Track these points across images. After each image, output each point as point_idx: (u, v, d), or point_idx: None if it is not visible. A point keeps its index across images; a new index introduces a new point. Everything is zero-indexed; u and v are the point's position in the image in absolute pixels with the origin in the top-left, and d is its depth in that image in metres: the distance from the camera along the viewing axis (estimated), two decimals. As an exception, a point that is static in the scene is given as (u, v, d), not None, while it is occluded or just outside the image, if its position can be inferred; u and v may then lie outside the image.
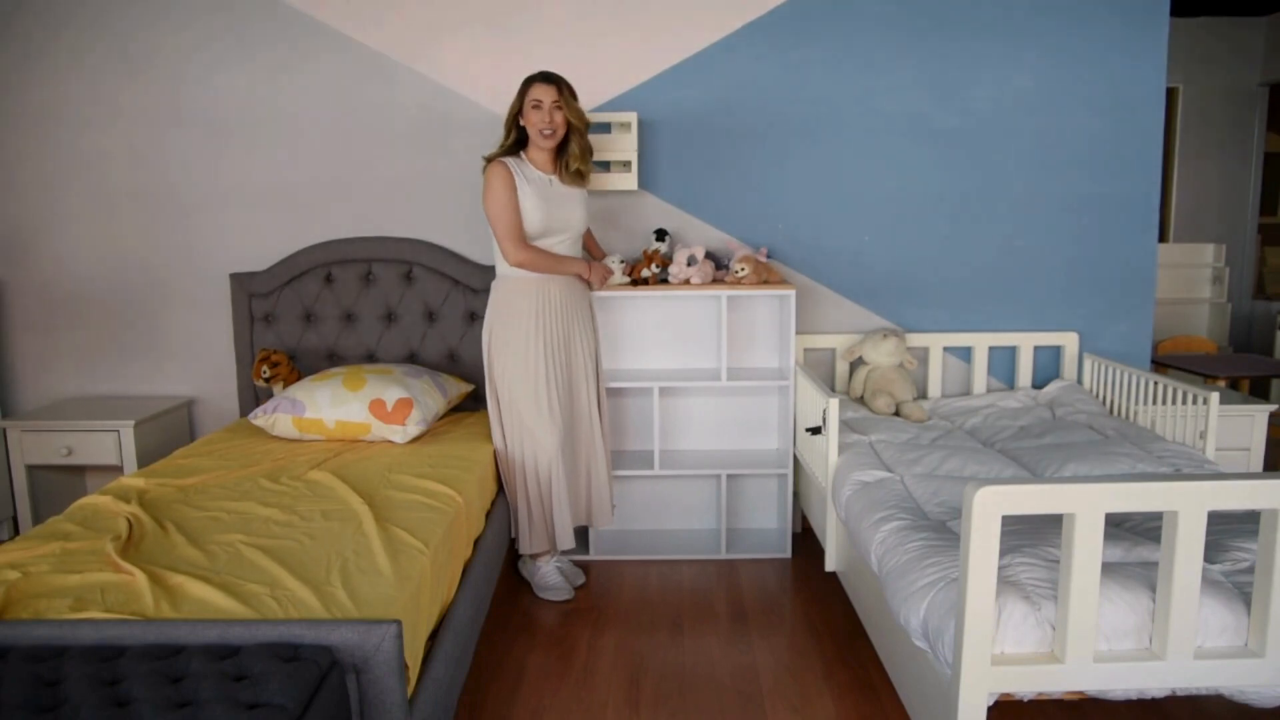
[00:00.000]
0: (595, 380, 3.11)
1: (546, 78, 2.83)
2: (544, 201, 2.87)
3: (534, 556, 3.11)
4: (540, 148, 2.89)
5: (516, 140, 2.90)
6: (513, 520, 3.06)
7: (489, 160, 2.90)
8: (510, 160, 2.87)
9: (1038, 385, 3.59)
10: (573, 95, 2.86)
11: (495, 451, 3.01)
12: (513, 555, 3.27)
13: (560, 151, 2.94)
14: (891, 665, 2.36)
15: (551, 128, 2.83)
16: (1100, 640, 1.77)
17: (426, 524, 2.26)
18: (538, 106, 2.81)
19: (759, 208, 3.51)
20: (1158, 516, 2.16)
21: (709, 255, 3.40)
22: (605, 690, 2.47)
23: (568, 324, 3.00)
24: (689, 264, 3.28)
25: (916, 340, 3.54)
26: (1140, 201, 3.51)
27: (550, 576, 3.08)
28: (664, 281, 3.36)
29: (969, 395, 3.56)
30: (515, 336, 2.91)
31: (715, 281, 3.34)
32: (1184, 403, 2.90)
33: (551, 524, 2.99)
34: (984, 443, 3.03)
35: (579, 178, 2.98)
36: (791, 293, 3.26)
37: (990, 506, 1.66)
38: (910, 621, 1.95)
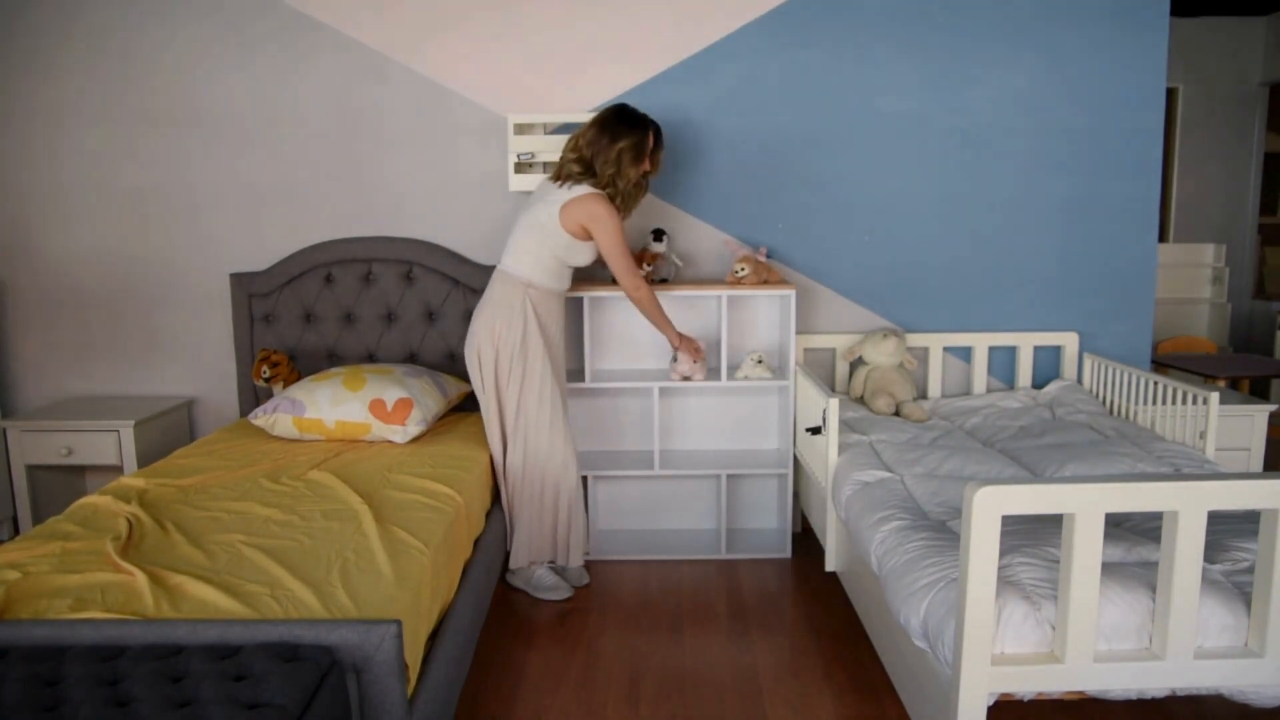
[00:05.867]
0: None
1: (660, 134, 2.97)
2: None
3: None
4: (639, 192, 2.98)
5: (596, 175, 2.87)
6: (512, 531, 3.03)
7: (575, 189, 2.85)
8: None
9: (1038, 385, 3.59)
10: None
11: (493, 458, 3.00)
12: (506, 563, 3.22)
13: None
14: (891, 665, 2.37)
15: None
16: (1100, 640, 1.77)
17: (426, 524, 2.26)
18: (658, 162, 2.97)
19: (759, 208, 3.50)
20: (1158, 516, 2.16)
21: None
22: (605, 690, 2.47)
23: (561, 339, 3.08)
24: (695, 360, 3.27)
25: (916, 340, 3.54)
26: (1140, 201, 3.51)
27: (546, 577, 3.07)
28: (663, 281, 3.37)
29: (969, 395, 3.56)
30: (553, 339, 2.97)
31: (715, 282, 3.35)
32: (1184, 403, 2.90)
33: (567, 537, 3.00)
34: (984, 443, 3.02)
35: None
36: (791, 293, 3.26)
37: (990, 506, 1.66)
38: (910, 621, 1.96)
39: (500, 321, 2.90)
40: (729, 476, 3.47)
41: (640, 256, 3.31)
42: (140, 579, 1.87)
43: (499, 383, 2.93)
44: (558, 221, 2.84)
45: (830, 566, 2.93)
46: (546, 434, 2.92)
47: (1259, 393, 5.06)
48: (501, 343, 2.90)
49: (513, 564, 3.02)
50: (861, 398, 3.45)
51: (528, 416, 2.93)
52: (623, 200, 2.92)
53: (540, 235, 2.87)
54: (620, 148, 2.84)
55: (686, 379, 3.29)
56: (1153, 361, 3.94)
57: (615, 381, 3.33)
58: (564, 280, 3.00)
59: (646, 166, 2.93)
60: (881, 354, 3.38)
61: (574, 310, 3.41)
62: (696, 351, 3.21)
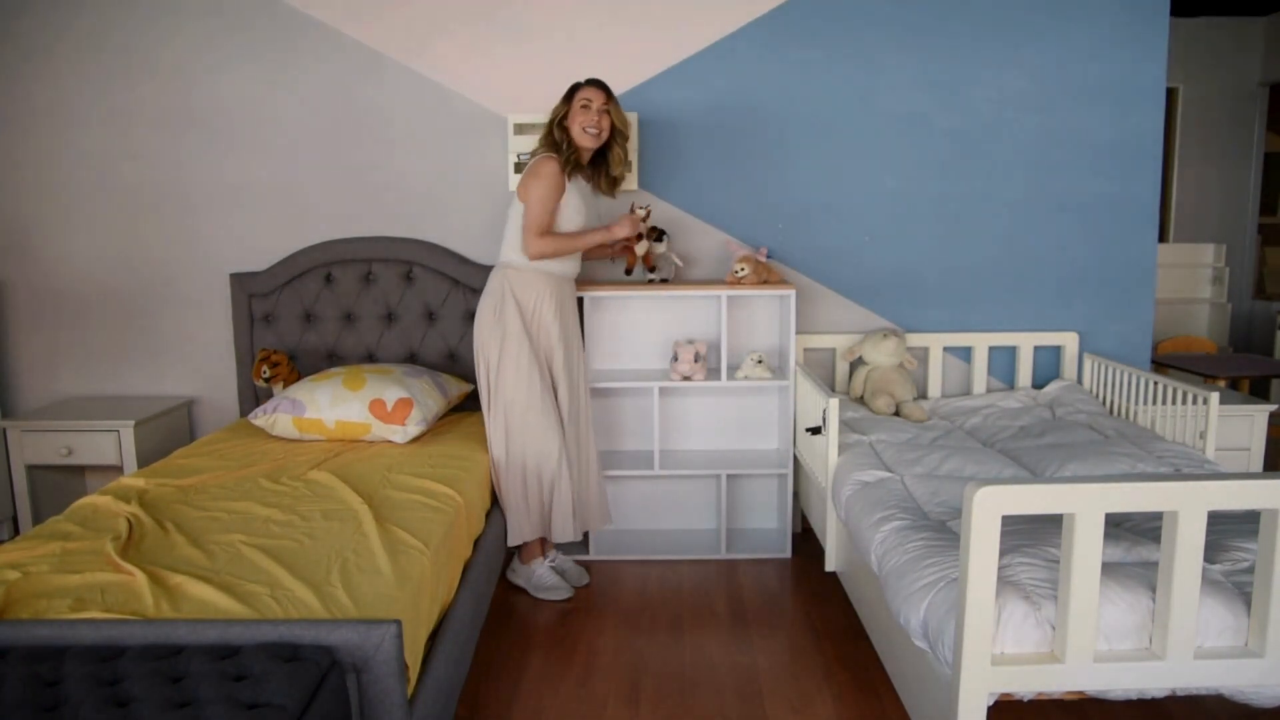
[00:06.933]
0: (584, 381, 3.14)
1: (595, 83, 2.94)
2: (584, 204, 2.97)
3: (525, 560, 3.11)
4: (584, 147, 2.94)
5: (553, 144, 2.93)
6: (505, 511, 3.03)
7: (536, 154, 2.94)
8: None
9: (1038, 385, 3.59)
10: (617, 103, 2.97)
11: (489, 439, 2.98)
12: (506, 562, 3.23)
13: (598, 159, 3.03)
14: (891, 665, 2.37)
15: (598, 128, 2.91)
16: (1100, 640, 1.77)
17: (426, 524, 2.26)
18: (586, 106, 2.90)
19: (759, 208, 3.51)
20: (1158, 516, 2.16)
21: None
22: (605, 690, 2.47)
23: (569, 322, 3.04)
24: (695, 360, 3.28)
25: (916, 340, 3.54)
26: (1140, 201, 3.51)
27: (546, 577, 3.07)
28: (665, 282, 3.37)
29: (969, 395, 3.56)
30: (542, 321, 2.95)
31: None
32: (1184, 403, 2.90)
33: (549, 514, 2.98)
34: (984, 443, 3.03)
35: (613, 184, 3.07)
36: (791, 293, 3.26)
37: (990, 506, 1.66)
38: (910, 621, 1.96)
39: (483, 304, 2.99)
40: (729, 476, 3.47)
41: (644, 258, 3.31)
42: (140, 579, 1.87)
43: (488, 365, 2.96)
44: (516, 194, 2.93)
45: (830, 566, 2.93)
46: (522, 414, 2.92)
47: (1259, 393, 5.06)
48: (481, 323, 2.97)
49: (510, 542, 3.02)
50: (861, 398, 3.45)
51: (505, 395, 2.93)
52: (571, 158, 2.91)
53: (513, 215, 2.95)
54: (553, 109, 2.97)
55: (686, 379, 3.28)
56: (1153, 361, 3.94)
57: (615, 381, 3.33)
58: (546, 259, 2.95)
59: (575, 114, 2.89)
60: (881, 354, 3.38)
61: (574, 310, 3.40)
62: (634, 225, 3.06)
